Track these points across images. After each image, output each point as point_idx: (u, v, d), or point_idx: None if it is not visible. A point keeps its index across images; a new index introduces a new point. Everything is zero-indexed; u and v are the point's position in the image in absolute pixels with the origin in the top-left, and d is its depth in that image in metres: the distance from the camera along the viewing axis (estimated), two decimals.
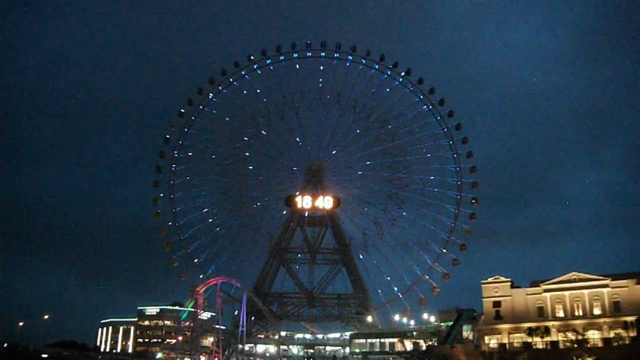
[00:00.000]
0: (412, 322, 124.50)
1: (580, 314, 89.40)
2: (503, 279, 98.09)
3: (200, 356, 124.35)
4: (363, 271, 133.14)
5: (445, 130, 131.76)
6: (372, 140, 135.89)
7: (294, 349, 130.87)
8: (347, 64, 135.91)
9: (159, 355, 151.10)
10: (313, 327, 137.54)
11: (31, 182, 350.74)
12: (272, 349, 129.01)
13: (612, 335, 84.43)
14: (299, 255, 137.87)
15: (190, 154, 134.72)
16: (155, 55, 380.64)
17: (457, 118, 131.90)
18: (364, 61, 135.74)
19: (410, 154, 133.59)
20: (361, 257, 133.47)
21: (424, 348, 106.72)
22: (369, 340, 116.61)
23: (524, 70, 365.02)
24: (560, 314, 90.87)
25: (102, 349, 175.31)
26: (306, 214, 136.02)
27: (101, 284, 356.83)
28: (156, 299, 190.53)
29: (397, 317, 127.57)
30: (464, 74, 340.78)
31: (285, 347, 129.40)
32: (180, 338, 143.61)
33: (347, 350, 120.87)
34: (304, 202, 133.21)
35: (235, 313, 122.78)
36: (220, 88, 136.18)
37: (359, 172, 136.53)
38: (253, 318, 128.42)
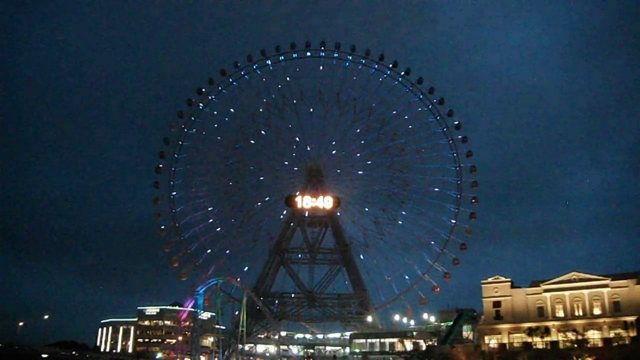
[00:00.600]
0: (412, 322, 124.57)
1: (580, 314, 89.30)
2: (503, 279, 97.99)
3: (200, 356, 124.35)
4: (363, 271, 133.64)
5: (444, 129, 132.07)
6: (372, 140, 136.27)
7: (294, 349, 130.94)
8: (347, 63, 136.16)
9: (159, 355, 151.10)
10: (313, 327, 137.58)
11: (31, 182, 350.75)
12: (272, 349, 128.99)
13: (612, 335, 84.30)
14: (299, 255, 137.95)
15: (190, 154, 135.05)
16: (155, 55, 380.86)
17: (457, 118, 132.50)
18: (363, 61, 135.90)
19: (410, 154, 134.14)
20: (361, 257, 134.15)
21: (424, 348, 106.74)
22: (369, 340, 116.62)
23: (524, 70, 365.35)
24: (560, 314, 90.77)
25: (102, 349, 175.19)
26: (306, 214, 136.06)
27: (101, 284, 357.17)
28: (156, 299, 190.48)
29: (397, 317, 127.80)
30: (463, 74, 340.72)
31: (285, 347, 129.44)
32: (180, 338, 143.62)
33: (347, 350, 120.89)
34: (304, 202, 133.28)
35: (237, 313, 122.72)
36: (220, 88, 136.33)
37: (359, 172, 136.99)
38: (253, 318, 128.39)
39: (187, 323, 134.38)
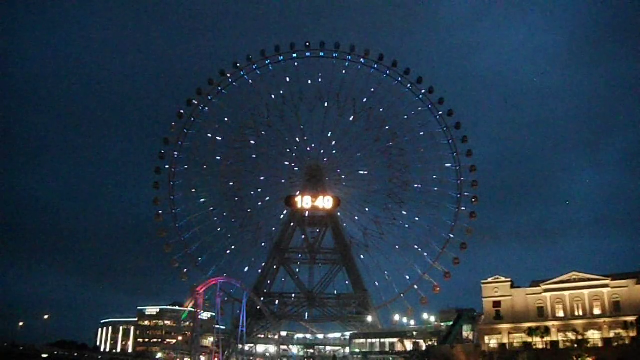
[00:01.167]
0: (412, 322, 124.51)
1: (580, 314, 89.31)
2: (503, 279, 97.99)
3: (200, 356, 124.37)
4: (363, 271, 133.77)
5: (444, 129, 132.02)
6: (371, 139, 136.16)
7: (294, 349, 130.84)
8: (346, 63, 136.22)
9: (159, 355, 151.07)
10: (313, 327, 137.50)
11: (31, 182, 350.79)
12: (272, 349, 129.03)
13: (612, 335, 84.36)
14: (299, 255, 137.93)
15: (190, 155, 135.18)
16: (155, 55, 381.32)
17: (457, 117, 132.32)
18: (363, 61, 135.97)
19: (410, 153, 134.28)
20: (361, 257, 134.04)
21: (424, 348, 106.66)
22: (369, 340, 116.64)
23: (524, 70, 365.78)
24: (560, 314, 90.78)
25: (102, 349, 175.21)
26: (306, 214, 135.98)
27: (101, 284, 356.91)
28: (156, 299, 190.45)
29: (397, 317, 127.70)
30: (463, 74, 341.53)
31: (285, 347, 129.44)
32: (180, 338, 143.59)
33: (347, 350, 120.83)
34: (304, 202, 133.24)
35: (237, 312, 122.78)
36: (219, 89, 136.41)
37: (359, 172, 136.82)
38: (253, 318, 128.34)
39: (187, 323, 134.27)
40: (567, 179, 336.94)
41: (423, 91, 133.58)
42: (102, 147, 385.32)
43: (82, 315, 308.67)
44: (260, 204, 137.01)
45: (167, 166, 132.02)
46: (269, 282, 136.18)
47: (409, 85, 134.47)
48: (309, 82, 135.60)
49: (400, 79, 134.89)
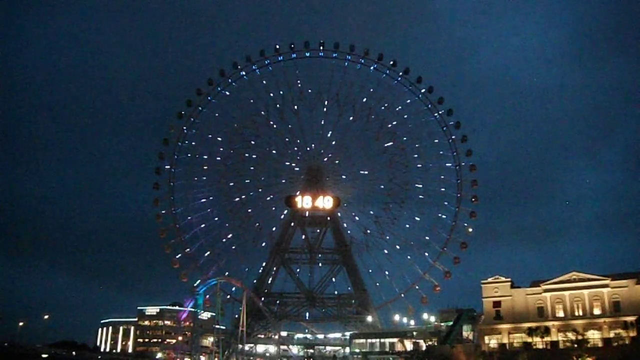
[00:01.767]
0: (412, 322, 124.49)
1: (580, 314, 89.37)
2: (503, 279, 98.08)
3: (200, 356, 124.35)
4: (364, 271, 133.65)
5: (444, 128, 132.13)
6: (371, 139, 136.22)
7: (294, 349, 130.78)
8: (346, 63, 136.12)
9: (159, 355, 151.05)
10: (313, 327, 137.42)
11: (31, 182, 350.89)
12: (272, 349, 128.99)
13: (612, 335, 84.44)
14: (299, 255, 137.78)
15: (189, 155, 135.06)
16: (155, 55, 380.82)
17: (456, 117, 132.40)
18: (362, 61, 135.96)
19: (409, 153, 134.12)
20: (361, 256, 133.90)
21: (424, 348, 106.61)
22: (369, 340, 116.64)
23: (524, 70, 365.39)
24: (560, 314, 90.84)
25: (102, 349, 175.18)
26: (306, 214, 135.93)
27: (101, 284, 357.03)
28: (156, 299, 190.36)
29: (397, 317, 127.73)
30: (463, 74, 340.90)
31: (285, 347, 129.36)
32: (180, 338, 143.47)
33: (347, 350, 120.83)
34: (304, 202, 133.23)
35: (237, 315, 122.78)
36: (219, 89, 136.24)
37: (359, 172, 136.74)
38: (253, 318, 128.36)
39: (187, 323, 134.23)
40: (567, 179, 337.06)
41: (423, 91, 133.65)
42: (102, 147, 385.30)
43: (82, 315, 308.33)
44: (260, 204, 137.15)
45: (167, 167, 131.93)
46: (269, 282, 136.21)
47: (408, 84, 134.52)
48: (309, 82, 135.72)
49: (399, 78, 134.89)
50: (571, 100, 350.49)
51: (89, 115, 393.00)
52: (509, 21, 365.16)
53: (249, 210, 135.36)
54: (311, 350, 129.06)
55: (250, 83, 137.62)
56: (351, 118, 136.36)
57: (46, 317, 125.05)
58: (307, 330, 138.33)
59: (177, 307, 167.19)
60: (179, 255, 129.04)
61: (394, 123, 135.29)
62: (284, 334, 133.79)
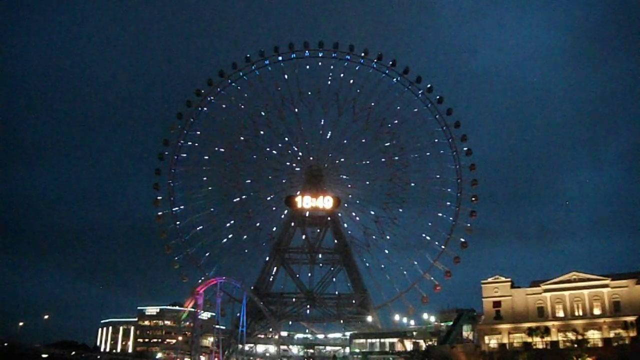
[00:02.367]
0: (412, 322, 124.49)
1: (580, 314, 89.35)
2: (503, 279, 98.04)
3: (200, 356, 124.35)
4: (364, 271, 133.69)
5: (444, 128, 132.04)
6: (371, 139, 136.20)
7: (294, 349, 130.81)
8: (345, 63, 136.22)
9: (159, 355, 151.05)
10: (313, 327, 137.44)
11: (31, 182, 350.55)
12: (272, 349, 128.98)
13: (612, 335, 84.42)
14: (299, 255, 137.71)
15: (189, 156, 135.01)
16: (155, 55, 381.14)
17: (456, 116, 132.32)
18: (362, 60, 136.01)
19: (409, 153, 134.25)
20: (362, 256, 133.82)
21: (424, 348, 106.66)
22: (369, 340, 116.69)
23: (523, 69, 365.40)
24: (560, 314, 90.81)
25: (102, 349, 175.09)
26: (306, 214, 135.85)
27: (101, 284, 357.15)
28: (156, 299, 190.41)
29: (397, 317, 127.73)
30: (463, 73, 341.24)
31: (285, 347, 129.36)
32: (180, 338, 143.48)
33: (347, 350, 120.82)
34: (304, 202, 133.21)
35: (237, 315, 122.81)
36: (218, 89, 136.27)
37: (359, 172, 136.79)
38: (253, 318, 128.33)
39: (187, 323, 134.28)
40: (567, 179, 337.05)
41: (422, 90, 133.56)
42: (102, 147, 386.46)
43: (82, 315, 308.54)
44: (260, 204, 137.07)
45: (167, 167, 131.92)
46: (269, 282, 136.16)
47: (408, 84, 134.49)
48: (308, 82, 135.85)
49: (399, 78, 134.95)
50: (571, 100, 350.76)
51: (89, 115, 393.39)
52: (509, 21, 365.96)
53: (250, 210, 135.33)
54: (311, 350, 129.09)
55: (249, 84, 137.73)
56: (351, 118, 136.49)
57: (46, 317, 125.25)
58: (307, 330, 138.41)
59: (177, 307, 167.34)
60: (180, 255, 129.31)
61: (394, 123, 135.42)
62: (284, 334, 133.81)
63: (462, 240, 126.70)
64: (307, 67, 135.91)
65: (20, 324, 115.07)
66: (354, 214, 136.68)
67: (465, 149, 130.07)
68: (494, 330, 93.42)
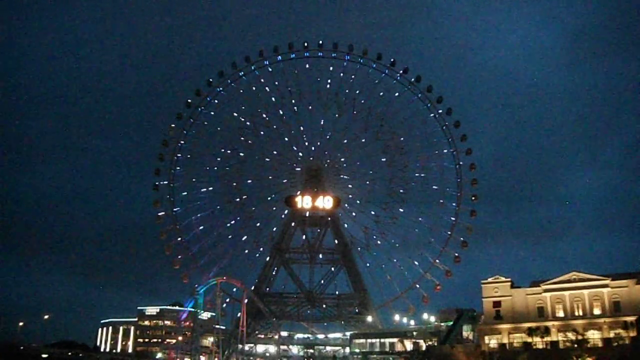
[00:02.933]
0: (412, 322, 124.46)
1: (580, 314, 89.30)
2: (503, 279, 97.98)
3: (200, 356, 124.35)
4: (364, 271, 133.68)
5: (444, 127, 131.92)
6: (371, 139, 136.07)
7: (294, 349, 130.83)
8: (345, 63, 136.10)
9: (159, 355, 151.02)
10: (313, 327, 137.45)
11: (31, 182, 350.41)
12: (272, 349, 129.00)
13: (612, 335, 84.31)
14: (299, 255, 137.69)
15: (189, 156, 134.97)
16: (155, 56, 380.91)
17: (456, 116, 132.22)
18: (361, 60, 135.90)
19: (409, 152, 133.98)
20: (362, 256, 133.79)
21: (424, 348, 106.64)
22: (369, 340, 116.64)
23: (523, 69, 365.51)
24: (560, 314, 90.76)
25: (102, 349, 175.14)
26: (306, 214, 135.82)
27: (101, 284, 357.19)
28: (156, 299, 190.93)
29: (397, 317, 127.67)
30: (462, 73, 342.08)
31: (285, 347, 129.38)
32: (180, 338, 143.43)
33: (347, 350, 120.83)
34: (304, 202, 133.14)
35: (238, 315, 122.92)
36: (218, 90, 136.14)
37: (359, 172, 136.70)
38: (253, 318, 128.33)
39: (187, 323, 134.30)
40: (567, 179, 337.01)
41: (422, 90, 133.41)
42: (102, 147, 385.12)
43: (82, 315, 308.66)
44: (260, 204, 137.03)
45: (166, 168, 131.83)
46: (269, 282, 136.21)
47: (407, 84, 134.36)
48: (308, 82, 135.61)
49: (398, 78, 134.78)
50: (571, 100, 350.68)
51: (89, 115, 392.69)
52: (508, 21, 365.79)
53: (252, 209, 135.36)
54: (311, 350, 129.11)
55: (249, 84, 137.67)
56: (351, 118, 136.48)
57: (46, 317, 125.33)
58: (307, 330, 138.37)
59: (177, 307, 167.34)
60: (180, 256, 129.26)
61: (393, 122, 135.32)
62: (284, 334, 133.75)
63: (462, 239, 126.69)
64: (307, 67, 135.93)
65: (20, 324, 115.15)
66: (354, 214, 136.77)
67: (465, 148, 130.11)
68: (494, 330, 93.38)
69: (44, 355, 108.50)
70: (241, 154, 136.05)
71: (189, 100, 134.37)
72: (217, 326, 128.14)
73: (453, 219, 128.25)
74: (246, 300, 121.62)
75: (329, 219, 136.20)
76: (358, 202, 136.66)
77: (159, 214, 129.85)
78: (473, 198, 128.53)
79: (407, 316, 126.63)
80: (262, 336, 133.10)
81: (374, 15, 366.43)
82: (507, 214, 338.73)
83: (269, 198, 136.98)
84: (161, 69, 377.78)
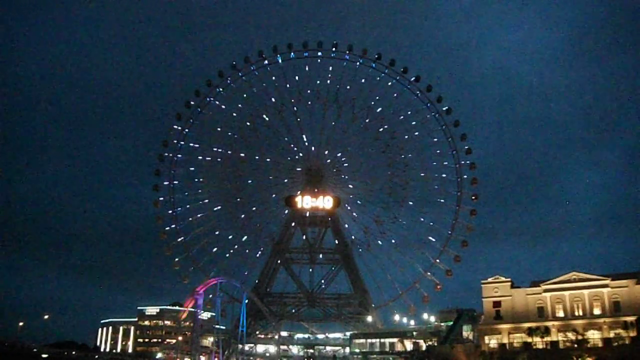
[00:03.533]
0: (412, 322, 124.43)
1: (580, 314, 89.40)
2: (503, 279, 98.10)
3: (200, 356, 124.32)
4: (364, 271, 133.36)
5: (443, 127, 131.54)
6: (371, 139, 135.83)
7: (294, 349, 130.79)
8: (344, 63, 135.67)
9: (159, 355, 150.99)
10: (313, 327, 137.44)
11: (31, 182, 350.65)
12: (272, 349, 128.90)
13: (612, 335, 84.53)
14: (300, 255, 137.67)
15: (189, 156, 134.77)
16: (155, 56, 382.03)
17: (456, 115, 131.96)
18: (361, 60, 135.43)
19: (409, 152, 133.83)
20: (362, 256, 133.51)
21: (424, 348, 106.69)
22: (369, 340, 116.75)
23: (523, 69, 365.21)
24: (560, 314, 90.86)
25: (102, 349, 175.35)
26: (306, 214, 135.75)
27: (101, 284, 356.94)
28: (156, 299, 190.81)
29: (397, 317, 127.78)
30: (462, 72, 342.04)
31: (285, 347, 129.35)
32: (180, 338, 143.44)
33: (347, 350, 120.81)
34: (304, 202, 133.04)
35: (238, 315, 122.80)
36: (218, 90, 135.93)
37: (359, 172, 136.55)
38: (253, 318, 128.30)
39: (187, 323, 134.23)
40: (567, 179, 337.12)
41: (421, 90, 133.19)
42: (102, 148, 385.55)
43: (82, 315, 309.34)
44: (260, 204, 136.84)
45: (167, 168, 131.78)
46: (269, 282, 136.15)
47: (407, 84, 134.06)
48: (308, 82, 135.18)
49: (398, 77, 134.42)
50: (571, 100, 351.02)
51: (89, 115, 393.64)
52: (508, 20, 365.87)
53: (254, 209, 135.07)
54: (311, 350, 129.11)
55: (249, 84, 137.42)
56: (351, 118, 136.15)
57: (46, 317, 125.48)
58: (307, 330, 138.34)
59: (177, 307, 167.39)
60: (180, 256, 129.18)
61: (393, 122, 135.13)
62: (284, 334, 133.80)
63: (463, 239, 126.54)
64: (307, 67, 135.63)
65: (20, 324, 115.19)
66: (354, 213, 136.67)
67: (465, 147, 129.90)
68: (494, 330, 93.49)
69: (44, 355, 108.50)
70: (241, 154, 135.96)
71: (192, 102, 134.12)
72: (217, 326, 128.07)
73: (453, 218, 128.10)
74: (246, 300, 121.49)
75: (329, 219, 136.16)
76: (358, 202, 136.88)
77: (159, 214, 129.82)
78: (473, 197, 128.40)
79: (407, 316, 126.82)
80: (262, 336, 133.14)
81: (373, 15, 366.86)
82: (507, 214, 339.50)
83: (267, 198, 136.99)
84: (161, 69, 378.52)
